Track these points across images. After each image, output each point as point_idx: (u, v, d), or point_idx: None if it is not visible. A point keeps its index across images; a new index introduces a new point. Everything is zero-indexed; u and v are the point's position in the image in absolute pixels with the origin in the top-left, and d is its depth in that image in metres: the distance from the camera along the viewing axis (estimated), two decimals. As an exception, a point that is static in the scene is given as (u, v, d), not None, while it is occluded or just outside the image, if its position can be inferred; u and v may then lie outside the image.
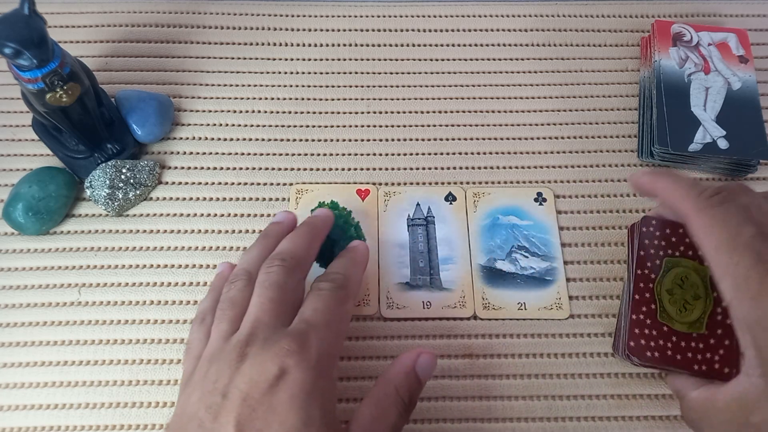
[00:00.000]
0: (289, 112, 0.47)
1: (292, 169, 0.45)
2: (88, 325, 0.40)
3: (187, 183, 0.44)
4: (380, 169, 0.45)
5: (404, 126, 0.47)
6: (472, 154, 0.46)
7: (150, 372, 0.38)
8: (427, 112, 0.47)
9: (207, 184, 0.44)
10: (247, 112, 0.47)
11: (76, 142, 0.42)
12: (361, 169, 0.45)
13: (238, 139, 0.46)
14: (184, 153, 0.45)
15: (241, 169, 0.45)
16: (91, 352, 0.39)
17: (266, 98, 0.48)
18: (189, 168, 0.45)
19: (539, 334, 0.40)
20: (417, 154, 0.46)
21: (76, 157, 0.42)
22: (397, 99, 0.48)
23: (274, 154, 0.45)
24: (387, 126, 0.47)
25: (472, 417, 0.37)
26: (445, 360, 0.39)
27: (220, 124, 0.47)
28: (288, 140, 0.46)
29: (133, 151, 0.44)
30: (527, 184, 0.45)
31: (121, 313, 0.40)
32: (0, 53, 0.34)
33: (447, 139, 0.46)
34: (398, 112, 0.47)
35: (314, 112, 0.47)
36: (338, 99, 0.48)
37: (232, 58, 0.49)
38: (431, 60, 0.50)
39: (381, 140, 0.46)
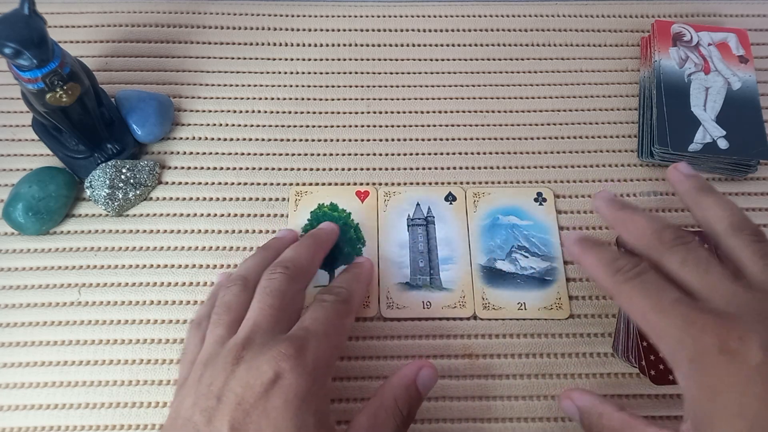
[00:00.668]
0: (289, 112, 0.47)
1: (292, 169, 0.45)
2: (88, 325, 0.40)
3: (187, 183, 0.44)
4: (380, 169, 0.45)
5: (404, 126, 0.47)
6: (472, 154, 0.46)
7: (150, 372, 0.38)
8: (427, 112, 0.47)
9: (207, 184, 0.44)
10: (247, 112, 0.47)
11: (76, 142, 0.42)
12: (361, 169, 0.45)
13: (238, 139, 0.46)
14: (184, 153, 0.45)
15: (241, 169, 0.45)
16: (91, 352, 0.39)
17: (266, 98, 0.48)
18: (189, 168, 0.45)
19: (539, 334, 0.40)
20: (417, 154, 0.46)
21: (76, 157, 0.42)
22: (397, 99, 0.48)
23: (274, 154, 0.45)
24: (387, 126, 0.47)
25: (472, 417, 0.37)
26: (445, 360, 0.39)
27: (220, 124, 0.47)
28: (288, 140, 0.46)
29: (133, 151, 0.44)
30: (527, 184, 0.45)
31: (121, 313, 0.40)
32: (0, 53, 0.34)
33: (447, 139, 0.46)
34: (398, 112, 0.47)
35: (314, 112, 0.47)
36: (338, 99, 0.48)
37: (232, 58, 0.49)
38: (431, 60, 0.50)
39: (381, 140, 0.46)
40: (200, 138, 0.46)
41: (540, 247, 0.42)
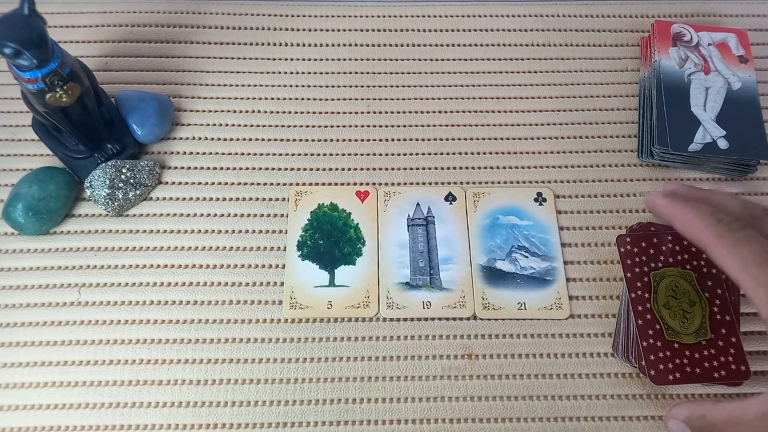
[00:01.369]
0: (289, 112, 0.47)
1: (292, 169, 0.45)
2: (88, 325, 0.40)
3: (187, 183, 0.44)
4: (380, 169, 0.45)
5: (404, 126, 0.47)
6: (472, 154, 0.46)
7: (150, 372, 0.38)
8: (427, 112, 0.47)
9: (207, 184, 0.44)
10: (247, 112, 0.47)
11: (76, 142, 0.42)
12: (361, 169, 0.45)
13: (238, 139, 0.46)
14: (184, 153, 0.45)
15: (241, 169, 0.45)
16: (91, 352, 0.39)
17: (266, 98, 0.48)
18: (189, 168, 0.45)
19: (539, 334, 0.40)
20: (417, 154, 0.46)
21: (76, 157, 0.42)
22: (397, 99, 0.48)
23: (274, 154, 0.45)
24: (387, 126, 0.47)
25: (472, 417, 0.37)
26: (445, 360, 0.39)
27: (220, 124, 0.47)
28: (288, 140, 0.46)
29: (133, 151, 0.44)
30: (527, 184, 0.45)
31: (121, 313, 0.40)
32: (0, 53, 0.34)
33: (447, 139, 0.46)
34: (398, 112, 0.47)
35: (314, 112, 0.47)
36: (338, 99, 0.48)
37: (232, 58, 0.49)
38: (431, 60, 0.50)
39: (381, 140, 0.46)
40: (200, 138, 0.46)
41: (540, 247, 0.42)
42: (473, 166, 0.45)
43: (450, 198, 0.44)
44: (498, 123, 0.47)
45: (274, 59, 0.49)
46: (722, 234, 0.30)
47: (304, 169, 0.45)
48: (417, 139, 0.46)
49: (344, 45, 0.50)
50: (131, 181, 0.42)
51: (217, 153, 0.45)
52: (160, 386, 0.38)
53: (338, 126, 0.47)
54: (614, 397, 0.38)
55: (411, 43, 0.51)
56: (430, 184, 0.44)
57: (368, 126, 0.47)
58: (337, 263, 0.41)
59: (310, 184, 0.44)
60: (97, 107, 0.41)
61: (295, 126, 0.47)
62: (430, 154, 0.46)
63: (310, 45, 0.50)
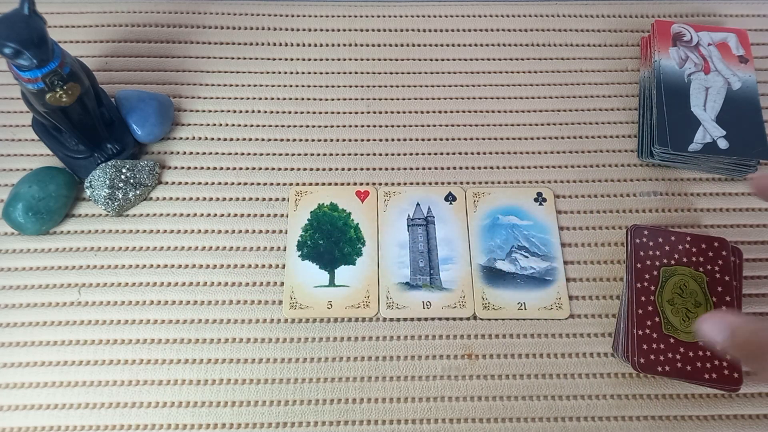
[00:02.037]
0: (289, 112, 0.47)
1: (292, 169, 0.45)
2: (88, 325, 0.40)
3: (187, 183, 0.44)
4: (380, 169, 0.45)
5: (404, 126, 0.47)
6: (472, 154, 0.46)
7: (150, 372, 0.38)
8: (427, 112, 0.47)
9: (207, 184, 0.44)
10: (247, 112, 0.47)
11: (76, 142, 0.42)
12: (361, 169, 0.45)
13: (238, 139, 0.46)
14: (184, 153, 0.45)
15: (241, 169, 0.45)
16: (91, 352, 0.39)
17: (266, 98, 0.48)
18: (189, 168, 0.45)
19: (539, 334, 0.40)
20: (417, 154, 0.46)
21: (76, 157, 0.42)
22: (397, 99, 0.48)
23: (274, 154, 0.45)
24: (387, 126, 0.47)
25: (472, 417, 0.37)
26: (445, 360, 0.39)
27: (220, 124, 0.47)
28: (288, 140, 0.46)
29: (133, 151, 0.44)
30: (527, 184, 0.45)
31: (121, 313, 0.40)
32: (0, 53, 0.34)
33: (447, 139, 0.46)
34: (398, 112, 0.47)
35: (314, 112, 0.47)
36: (338, 99, 0.48)
37: (232, 58, 0.49)
38: (431, 60, 0.50)
39: (381, 140, 0.46)
40: (200, 138, 0.46)
41: (540, 247, 0.42)
42: (473, 166, 0.45)
43: (450, 198, 0.44)
44: (498, 123, 0.47)
45: (274, 59, 0.49)
46: None
47: (304, 169, 0.45)
48: (417, 139, 0.46)
49: (344, 45, 0.50)
50: (131, 181, 0.42)
51: (217, 153, 0.45)
52: (160, 386, 0.38)
53: (338, 126, 0.47)
54: (614, 397, 0.38)
55: (411, 43, 0.51)
56: (430, 184, 0.44)
57: (368, 126, 0.47)
58: (337, 263, 0.41)
59: (310, 184, 0.44)
60: (97, 107, 0.41)
61: (295, 126, 0.47)
62: (430, 154, 0.46)
63: (310, 45, 0.50)
